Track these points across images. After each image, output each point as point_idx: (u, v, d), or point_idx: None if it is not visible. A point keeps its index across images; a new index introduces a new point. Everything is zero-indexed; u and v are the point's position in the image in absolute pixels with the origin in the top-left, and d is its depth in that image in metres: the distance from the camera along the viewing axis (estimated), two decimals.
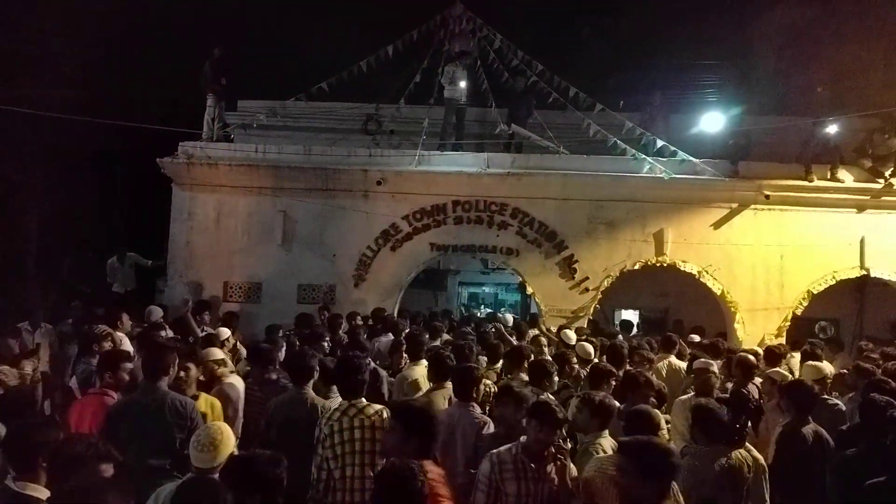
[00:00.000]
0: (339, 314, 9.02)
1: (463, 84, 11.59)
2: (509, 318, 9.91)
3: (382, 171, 10.84)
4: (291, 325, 8.77)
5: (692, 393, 5.61)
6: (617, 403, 4.46)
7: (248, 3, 16.78)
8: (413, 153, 10.98)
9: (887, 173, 10.74)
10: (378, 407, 4.25)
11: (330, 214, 10.96)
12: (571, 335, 8.22)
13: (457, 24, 12.07)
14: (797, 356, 7.82)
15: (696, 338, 9.30)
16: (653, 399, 5.01)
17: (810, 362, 6.63)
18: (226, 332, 7.73)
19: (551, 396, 4.68)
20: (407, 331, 8.07)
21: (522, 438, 3.82)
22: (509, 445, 3.81)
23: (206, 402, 4.90)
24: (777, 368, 5.93)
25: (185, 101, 12.16)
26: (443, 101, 11.73)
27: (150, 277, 11.83)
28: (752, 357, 6.56)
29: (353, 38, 14.38)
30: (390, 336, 7.98)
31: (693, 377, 6.00)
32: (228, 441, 3.38)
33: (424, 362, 6.05)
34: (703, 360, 6.01)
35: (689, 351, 7.85)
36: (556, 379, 5.41)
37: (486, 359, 6.79)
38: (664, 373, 7.12)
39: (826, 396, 5.85)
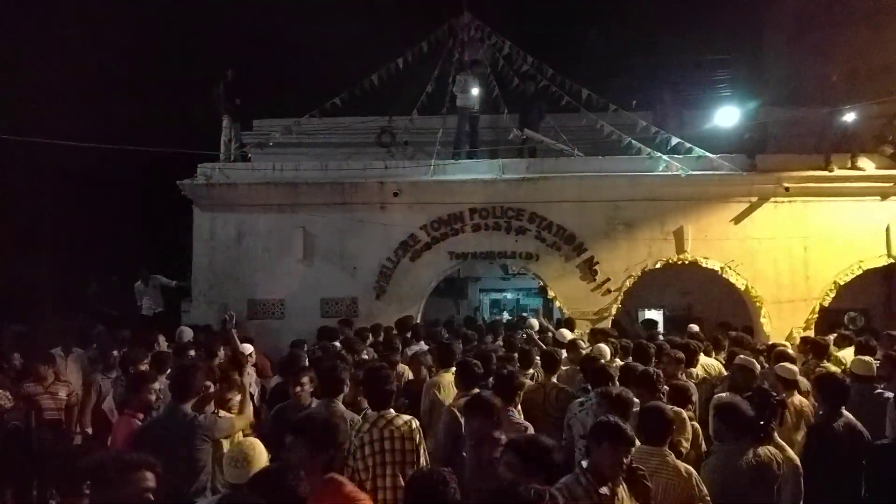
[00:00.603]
0: (365, 327, 9.05)
1: (475, 92, 11.64)
2: (535, 322, 9.80)
3: (398, 183, 10.91)
4: (315, 338, 8.84)
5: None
6: (637, 400, 4.45)
7: (258, 24, 17.01)
8: (428, 163, 11.04)
9: None
10: (407, 417, 4.28)
11: (349, 228, 11.04)
12: (567, 333, 8.24)
13: (465, 33, 12.15)
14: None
15: (696, 328, 9.32)
16: (661, 396, 4.96)
17: (860, 356, 6.51)
18: (249, 348, 7.87)
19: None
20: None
21: (584, 463, 3.54)
22: (575, 474, 3.48)
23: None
24: (785, 364, 5.82)
25: (202, 124, 12.35)
26: (455, 110, 11.78)
27: (176, 298, 12.00)
28: (790, 350, 6.50)
29: (363, 52, 14.50)
30: (421, 345, 8.00)
31: (731, 373, 5.87)
32: (261, 457, 3.40)
33: (454, 370, 6.07)
34: (744, 356, 5.89)
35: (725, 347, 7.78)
36: (618, 383, 5.24)
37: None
38: (695, 371, 7.02)
39: (877, 386, 5.76)
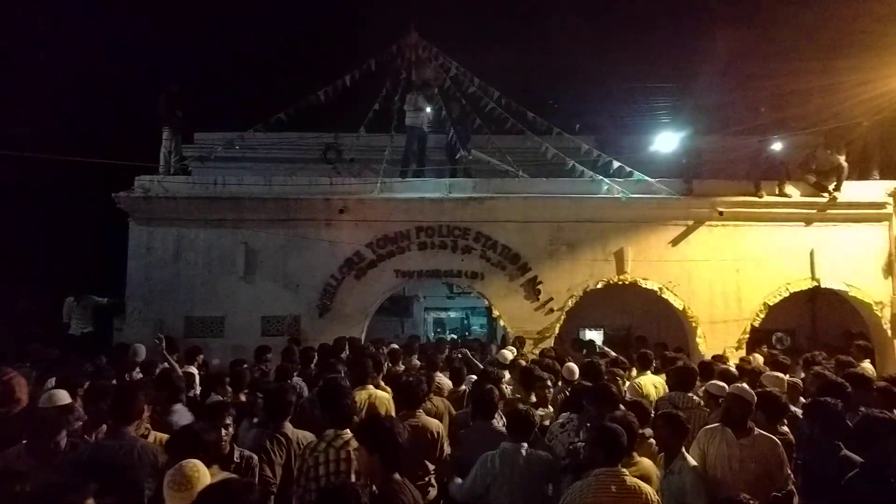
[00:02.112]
0: (311, 347, 8.83)
1: (426, 111, 11.71)
2: (508, 354, 8.51)
3: (344, 200, 10.82)
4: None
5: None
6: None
7: (204, 36, 16.69)
8: (374, 180, 11.01)
9: (831, 187, 11.22)
10: None
11: (292, 244, 10.87)
12: (508, 354, 8.29)
13: (413, 53, 12.23)
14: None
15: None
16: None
17: (770, 372, 6.83)
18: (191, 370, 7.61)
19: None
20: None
21: None
22: None
23: (157, 441, 4.52)
24: (715, 381, 6.01)
25: (141, 135, 11.97)
26: (401, 128, 11.81)
27: (106, 317, 11.48)
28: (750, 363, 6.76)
29: (310, 67, 14.42)
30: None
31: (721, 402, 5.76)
32: (204, 479, 3.23)
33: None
34: (737, 384, 5.81)
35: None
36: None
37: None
38: (646, 389, 7.09)
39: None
